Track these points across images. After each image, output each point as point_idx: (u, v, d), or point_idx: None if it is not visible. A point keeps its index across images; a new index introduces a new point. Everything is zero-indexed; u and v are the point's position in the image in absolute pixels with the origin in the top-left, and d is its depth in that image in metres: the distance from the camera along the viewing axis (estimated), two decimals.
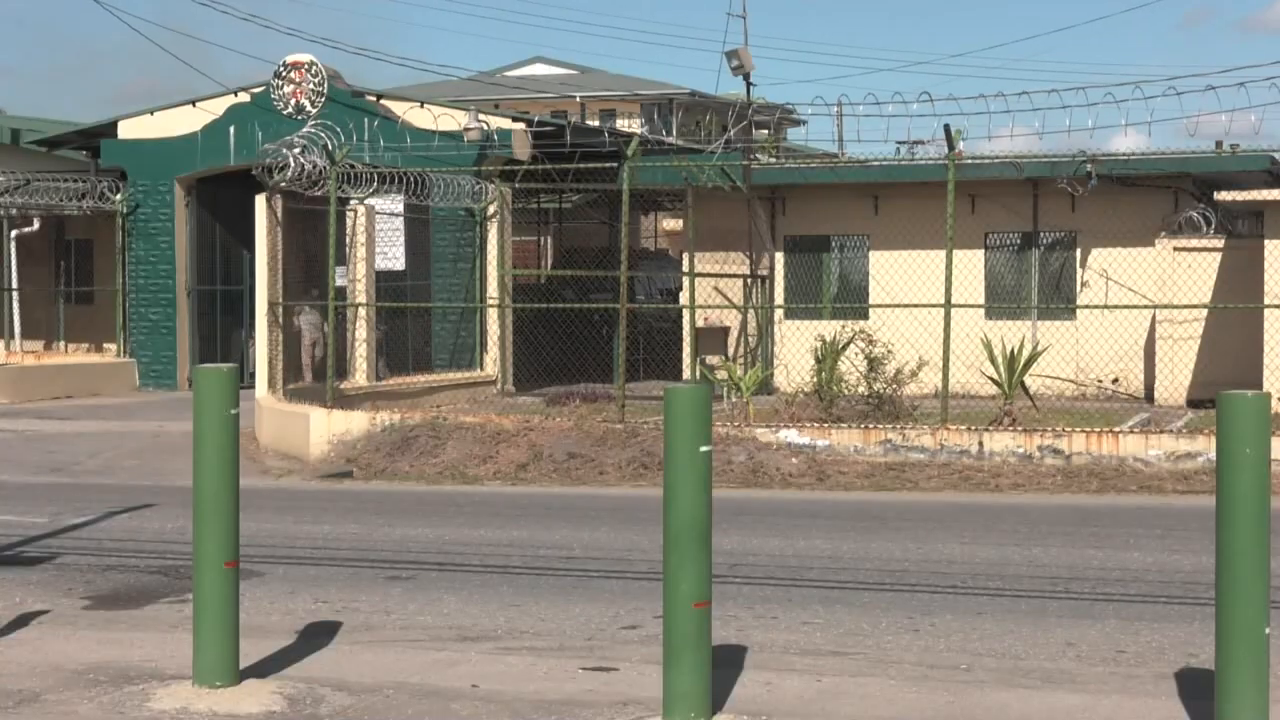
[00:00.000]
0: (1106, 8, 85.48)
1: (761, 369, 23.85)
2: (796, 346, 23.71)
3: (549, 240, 37.96)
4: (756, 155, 29.87)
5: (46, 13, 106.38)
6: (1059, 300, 25.21)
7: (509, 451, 18.44)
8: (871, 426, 18.48)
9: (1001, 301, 25.14)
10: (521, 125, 27.98)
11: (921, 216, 24.16)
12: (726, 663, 7.99)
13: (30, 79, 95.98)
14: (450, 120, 27.58)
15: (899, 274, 24.64)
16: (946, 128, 19.88)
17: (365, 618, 9.66)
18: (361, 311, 23.77)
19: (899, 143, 29.89)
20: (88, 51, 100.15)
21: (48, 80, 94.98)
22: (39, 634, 9.10)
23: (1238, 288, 22.52)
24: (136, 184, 30.69)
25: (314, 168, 22.95)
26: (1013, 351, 19.53)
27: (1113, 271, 24.74)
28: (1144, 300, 23.25)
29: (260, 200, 22.00)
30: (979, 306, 23.96)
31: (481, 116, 28.06)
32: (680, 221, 27.00)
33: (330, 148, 23.13)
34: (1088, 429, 17.95)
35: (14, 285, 32.13)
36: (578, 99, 53.13)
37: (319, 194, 21.99)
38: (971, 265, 25.38)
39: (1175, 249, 23.80)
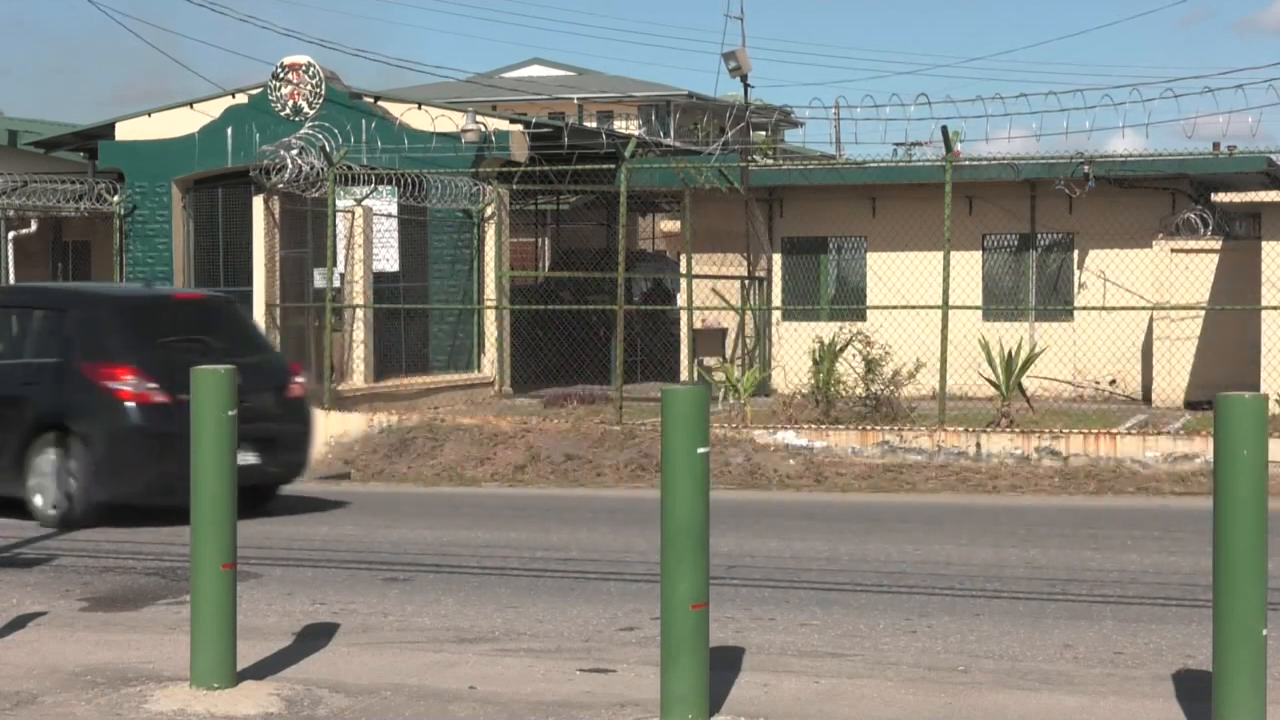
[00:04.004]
0: (1108, 12, 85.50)
1: (759, 370, 23.85)
2: (794, 348, 23.73)
3: (546, 242, 37.95)
4: (754, 157, 29.88)
5: (43, 14, 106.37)
6: (1056, 302, 25.22)
7: (507, 453, 18.46)
8: (869, 428, 18.50)
9: (999, 303, 25.13)
10: (519, 127, 27.98)
11: (919, 218, 24.15)
12: (724, 664, 7.99)
13: (28, 80, 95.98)
14: (448, 122, 27.56)
15: (896, 275, 24.64)
16: (944, 129, 19.90)
17: (363, 619, 9.66)
18: (359, 313, 23.77)
19: (896, 144, 29.90)
20: (84, 54, 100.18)
21: (45, 82, 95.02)
22: (36, 636, 9.09)
23: (1235, 289, 22.53)
24: (134, 185, 30.66)
25: (311, 169, 22.96)
26: (1010, 353, 19.55)
27: (1110, 273, 24.75)
28: (1141, 302, 23.26)
29: (258, 202, 22.01)
30: (976, 308, 23.97)
31: (479, 118, 28.05)
32: (678, 223, 27.02)
33: (328, 149, 23.13)
34: (1085, 430, 17.97)
35: None
36: (575, 100, 53.13)
37: (317, 195, 22.01)
38: (969, 267, 25.39)
39: (1173, 250, 23.80)
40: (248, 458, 13.54)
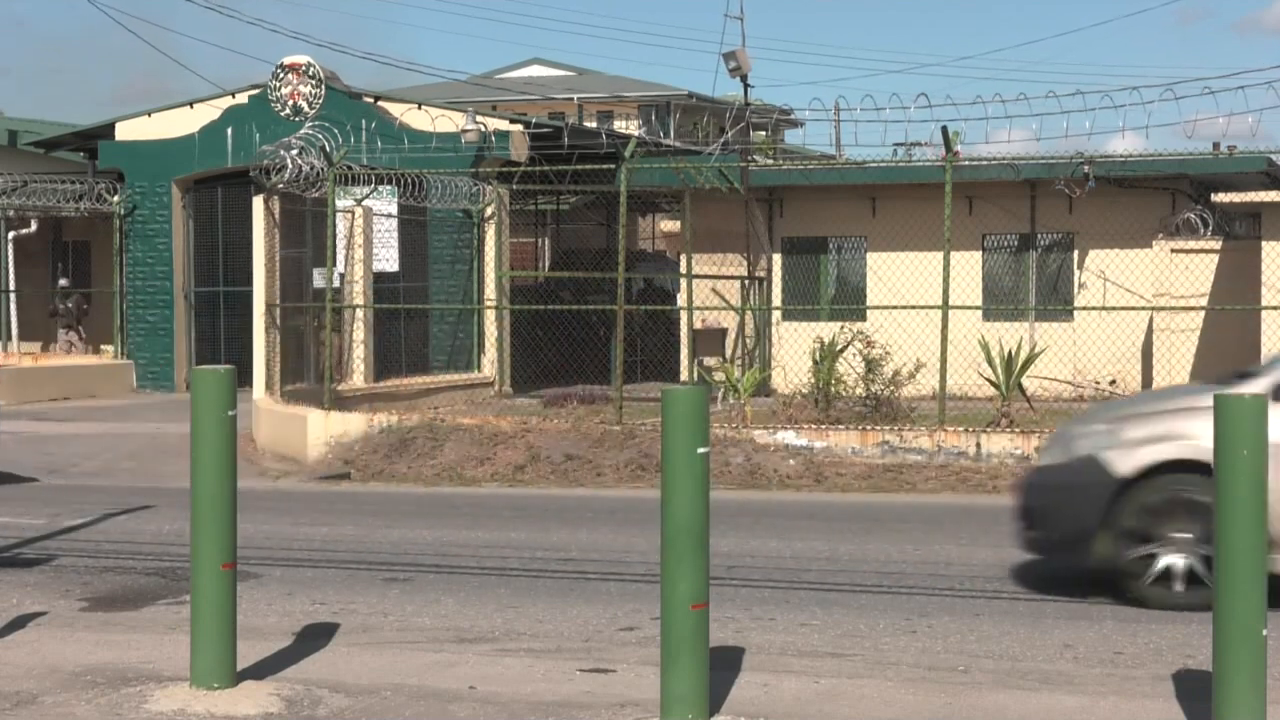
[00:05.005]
0: (1107, 11, 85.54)
1: (759, 370, 23.83)
2: (794, 348, 23.72)
3: (546, 242, 37.97)
4: (754, 157, 29.87)
5: (43, 14, 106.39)
6: (1056, 302, 25.21)
7: (506, 453, 18.44)
8: (869, 428, 18.49)
9: (999, 303, 25.13)
10: (519, 127, 27.99)
11: (919, 218, 24.15)
12: (724, 664, 7.99)
13: (28, 80, 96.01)
14: (448, 122, 27.57)
15: (897, 275, 24.64)
16: (944, 129, 19.88)
17: (363, 619, 9.66)
18: (359, 313, 23.77)
19: (896, 145, 29.90)
20: (84, 54, 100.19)
21: (45, 82, 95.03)
22: (36, 636, 9.10)
23: (1235, 289, 22.53)
24: (134, 185, 30.68)
25: (311, 169, 22.96)
26: (1010, 353, 19.54)
27: (1110, 273, 24.75)
28: (1141, 302, 23.25)
29: (258, 202, 22.00)
30: (976, 308, 23.97)
31: (479, 118, 28.06)
32: (678, 223, 27.03)
33: (328, 149, 23.13)
34: None
35: (11, 287, 32.13)
36: (575, 100, 53.13)
37: (317, 195, 22.01)
38: (969, 267, 25.38)
39: (1173, 250, 23.79)
40: None
